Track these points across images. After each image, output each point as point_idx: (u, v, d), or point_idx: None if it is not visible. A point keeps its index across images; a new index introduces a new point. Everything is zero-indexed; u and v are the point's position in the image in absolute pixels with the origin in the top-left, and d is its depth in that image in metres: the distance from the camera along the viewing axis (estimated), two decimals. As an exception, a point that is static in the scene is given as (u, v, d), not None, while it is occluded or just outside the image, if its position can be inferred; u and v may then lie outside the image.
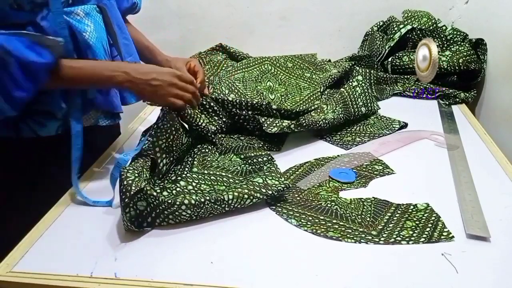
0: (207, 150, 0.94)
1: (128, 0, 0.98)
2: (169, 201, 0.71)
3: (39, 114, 0.81)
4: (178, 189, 0.77)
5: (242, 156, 0.92)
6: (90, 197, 0.80)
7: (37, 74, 0.70)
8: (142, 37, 1.07)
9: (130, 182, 0.69)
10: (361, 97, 1.16)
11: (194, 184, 0.80)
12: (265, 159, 0.90)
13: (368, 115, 1.17)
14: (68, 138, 0.84)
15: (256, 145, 0.99)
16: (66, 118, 0.83)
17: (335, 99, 1.13)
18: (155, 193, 0.70)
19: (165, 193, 0.75)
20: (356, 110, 1.13)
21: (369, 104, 1.17)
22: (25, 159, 0.86)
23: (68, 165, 0.87)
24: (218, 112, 1.02)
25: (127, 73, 0.77)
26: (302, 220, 0.74)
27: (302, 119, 1.00)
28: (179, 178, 0.81)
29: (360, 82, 1.19)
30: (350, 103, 1.13)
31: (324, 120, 1.03)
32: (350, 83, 1.18)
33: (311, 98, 1.22)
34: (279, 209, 0.77)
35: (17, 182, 0.87)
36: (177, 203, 0.71)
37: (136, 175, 0.71)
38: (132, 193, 0.68)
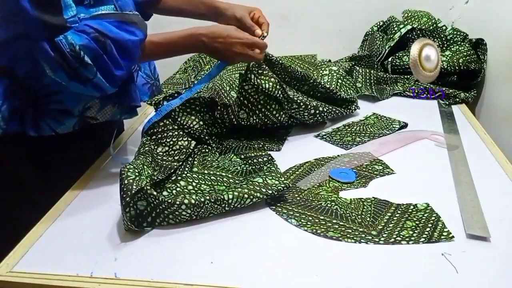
0: (207, 150, 0.94)
1: None
2: (169, 200, 0.71)
3: (58, 113, 0.82)
4: (178, 189, 0.77)
5: (242, 156, 0.92)
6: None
7: (132, 51, 0.75)
8: None
9: (131, 181, 0.69)
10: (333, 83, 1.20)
11: (194, 184, 0.80)
12: (265, 159, 0.90)
13: (347, 101, 1.16)
14: (83, 133, 0.86)
15: (256, 145, 0.99)
16: (81, 115, 0.85)
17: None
18: (155, 193, 0.70)
19: (165, 193, 0.75)
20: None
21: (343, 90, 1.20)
22: (40, 156, 0.86)
23: (79, 162, 0.88)
24: (222, 114, 1.02)
25: (201, 40, 0.84)
26: (302, 220, 0.74)
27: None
28: (179, 178, 0.81)
29: (333, 72, 1.23)
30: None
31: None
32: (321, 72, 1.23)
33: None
34: (279, 209, 0.77)
35: (28, 178, 0.87)
36: (177, 202, 0.71)
37: (137, 174, 0.71)
38: (133, 192, 0.68)
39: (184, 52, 0.89)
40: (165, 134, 0.86)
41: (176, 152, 0.86)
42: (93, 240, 0.70)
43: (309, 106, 1.05)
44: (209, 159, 0.91)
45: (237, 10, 1.01)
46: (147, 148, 0.82)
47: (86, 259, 0.66)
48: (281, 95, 1.01)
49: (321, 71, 1.24)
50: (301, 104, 1.04)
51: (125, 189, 0.69)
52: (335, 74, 1.23)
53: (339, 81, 1.21)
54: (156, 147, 0.85)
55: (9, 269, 0.64)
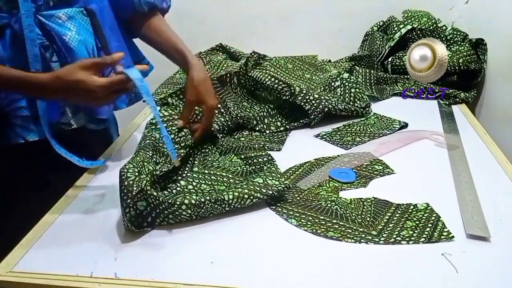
0: (207, 150, 0.94)
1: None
2: (170, 200, 0.71)
3: (25, 119, 0.80)
4: (178, 188, 0.77)
5: (242, 156, 0.92)
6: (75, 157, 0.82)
7: None
8: (177, 40, 0.94)
9: (131, 182, 0.69)
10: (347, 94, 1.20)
11: (194, 183, 0.80)
12: (265, 159, 0.90)
13: (364, 107, 1.19)
14: (61, 140, 0.83)
15: (256, 145, 0.99)
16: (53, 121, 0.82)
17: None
18: (155, 193, 0.70)
19: (165, 192, 0.74)
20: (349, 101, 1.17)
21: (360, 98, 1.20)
22: (22, 164, 0.85)
23: (66, 166, 0.87)
24: (222, 111, 1.02)
25: (34, 90, 0.72)
26: (302, 220, 0.74)
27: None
28: (179, 177, 0.81)
29: (344, 81, 1.23)
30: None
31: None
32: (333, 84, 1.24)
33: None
34: (279, 209, 0.77)
35: (17, 185, 0.86)
36: (178, 202, 0.71)
37: (136, 173, 0.71)
38: (133, 194, 0.68)
39: (19, 93, 0.79)
40: (170, 123, 0.86)
41: (182, 139, 0.85)
42: (93, 240, 0.70)
43: (322, 98, 1.09)
44: (209, 159, 0.91)
45: (190, 89, 0.88)
46: (148, 141, 0.81)
47: (86, 259, 0.66)
48: (282, 89, 1.03)
49: (333, 83, 1.24)
50: (308, 91, 1.07)
51: (125, 190, 0.68)
52: (347, 83, 1.21)
53: (352, 90, 1.19)
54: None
55: (9, 269, 0.64)
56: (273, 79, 1.08)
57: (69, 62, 0.77)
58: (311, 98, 1.09)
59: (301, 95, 1.09)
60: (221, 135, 1.03)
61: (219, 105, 1.02)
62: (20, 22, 0.73)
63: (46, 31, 0.77)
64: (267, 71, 1.10)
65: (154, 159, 0.79)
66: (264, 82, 1.08)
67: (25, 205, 0.85)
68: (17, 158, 0.84)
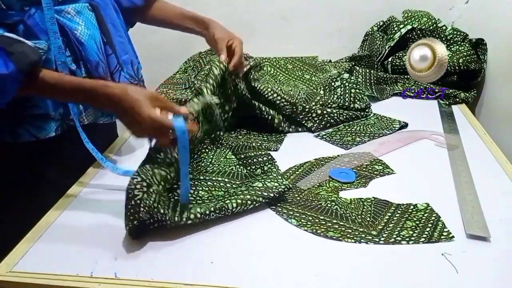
0: (199, 154, 0.92)
1: None
2: (176, 218, 0.69)
3: (36, 117, 0.80)
4: (176, 197, 0.76)
5: (242, 156, 0.91)
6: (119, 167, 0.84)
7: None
8: (182, 9, 1.06)
9: (138, 202, 0.66)
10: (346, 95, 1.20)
11: (191, 191, 0.79)
12: (265, 158, 0.90)
13: (363, 109, 1.19)
14: (67, 137, 0.84)
15: (254, 144, 0.99)
16: (63, 118, 0.83)
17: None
18: (162, 211, 0.68)
19: (166, 202, 0.72)
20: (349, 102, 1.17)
21: (360, 99, 1.20)
22: (24, 162, 0.85)
23: (67, 165, 0.87)
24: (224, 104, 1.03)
25: (107, 96, 0.69)
26: (302, 220, 0.74)
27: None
28: (175, 186, 0.79)
29: (344, 81, 1.23)
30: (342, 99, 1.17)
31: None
32: (333, 84, 1.23)
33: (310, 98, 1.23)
34: (279, 209, 0.77)
35: (18, 184, 0.86)
36: (183, 219, 0.70)
37: (145, 188, 0.67)
38: (140, 215, 0.66)
39: (82, 102, 0.80)
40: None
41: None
42: (93, 240, 0.70)
43: (325, 112, 1.09)
44: (203, 164, 0.90)
45: (218, 31, 1.00)
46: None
47: (86, 259, 0.66)
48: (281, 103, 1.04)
49: (333, 83, 1.24)
50: (310, 109, 1.07)
51: (132, 210, 0.66)
52: (347, 84, 1.21)
53: (352, 90, 1.20)
54: None
55: (9, 269, 0.64)
56: (275, 94, 1.07)
57: (82, 56, 0.80)
58: (314, 115, 1.09)
59: (303, 113, 1.08)
60: (221, 132, 1.02)
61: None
62: (34, 18, 0.74)
63: (58, 25, 0.77)
64: (269, 85, 1.09)
65: (168, 160, 0.74)
66: (266, 95, 1.07)
67: (25, 205, 0.85)
68: (17, 157, 0.84)
